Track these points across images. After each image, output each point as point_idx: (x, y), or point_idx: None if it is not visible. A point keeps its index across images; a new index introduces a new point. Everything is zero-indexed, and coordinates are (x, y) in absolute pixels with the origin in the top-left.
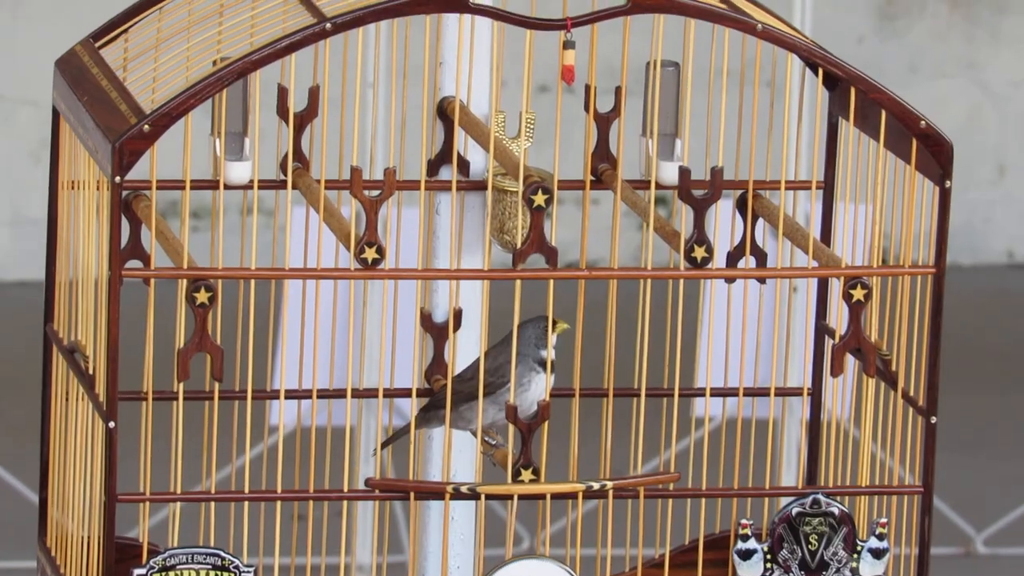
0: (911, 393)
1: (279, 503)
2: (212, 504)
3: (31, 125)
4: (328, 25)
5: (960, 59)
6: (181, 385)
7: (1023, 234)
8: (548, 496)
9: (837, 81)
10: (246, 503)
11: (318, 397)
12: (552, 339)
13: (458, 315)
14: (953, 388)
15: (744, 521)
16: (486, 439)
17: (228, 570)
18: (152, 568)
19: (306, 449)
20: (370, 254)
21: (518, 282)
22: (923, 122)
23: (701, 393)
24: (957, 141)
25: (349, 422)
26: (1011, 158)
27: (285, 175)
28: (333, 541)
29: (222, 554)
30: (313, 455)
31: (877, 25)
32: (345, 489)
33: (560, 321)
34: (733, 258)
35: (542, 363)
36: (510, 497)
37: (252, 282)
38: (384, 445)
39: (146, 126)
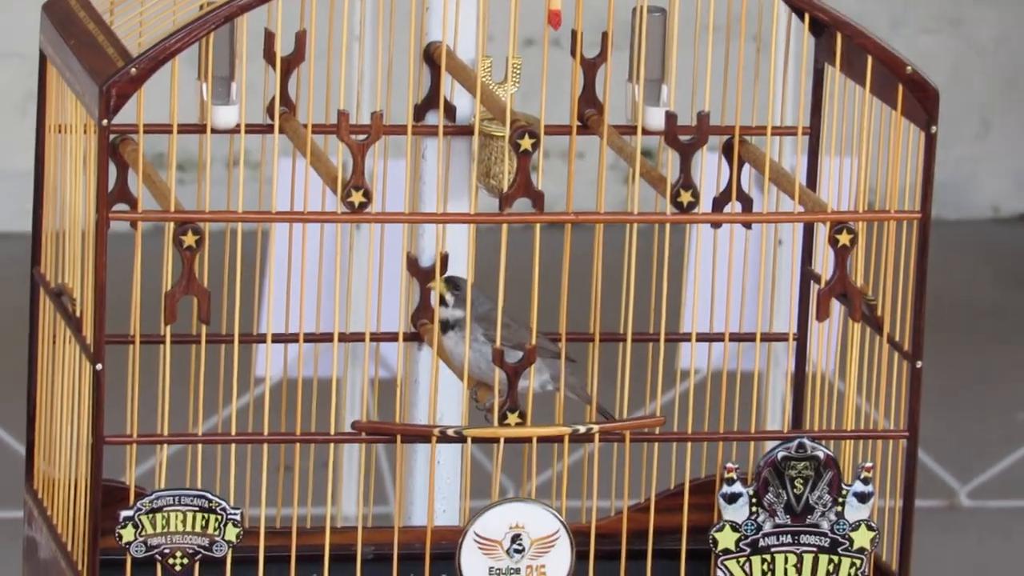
0: (896, 338)
1: (266, 448)
2: (199, 449)
3: (17, 77)
4: None
5: (944, 15)
6: (168, 328)
7: (1008, 189)
8: (534, 439)
9: (823, 27)
10: (232, 448)
11: (305, 341)
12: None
13: (444, 259)
14: (937, 342)
15: (730, 465)
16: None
17: (215, 512)
18: (139, 510)
19: (292, 397)
20: (357, 198)
21: (504, 226)
22: (909, 67)
23: (687, 338)
24: (941, 97)
25: (336, 366)
26: (995, 114)
27: (272, 120)
28: (319, 492)
29: (209, 496)
30: (300, 402)
31: None
32: (332, 433)
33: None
34: (719, 204)
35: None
36: (496, 440)
37: (239, 227)
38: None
39: (133, 69)
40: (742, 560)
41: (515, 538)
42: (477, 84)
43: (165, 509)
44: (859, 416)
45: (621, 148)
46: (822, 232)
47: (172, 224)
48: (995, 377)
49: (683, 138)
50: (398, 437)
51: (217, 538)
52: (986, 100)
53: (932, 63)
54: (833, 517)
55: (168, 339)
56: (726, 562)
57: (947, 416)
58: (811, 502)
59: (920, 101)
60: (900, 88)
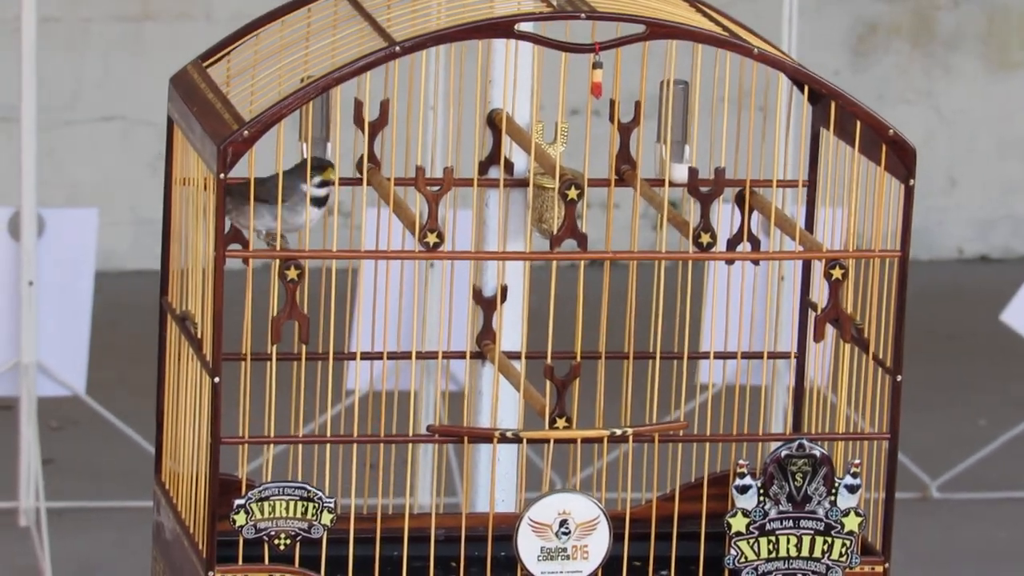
0: (880, 356)
1: (355, 447)
2: (300, 448)
3: (149, 141)
4: (397, 48)
5: (919, 89)
6: (274, 347)
7: (970, 235)
8: (579, 440)
9: (819, 96)
10: (328, 447)
11: (388, 358)
12: (315, 180)
13: (504, 291)
14: (912, 361)
15: (741, 462)
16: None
17: (313, 501)
18: (250, 499)
19: (377, 405)
20: (432, 239)
21: (554, 263)
22: (891, 130)
23: (705, 356)
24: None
25: (413, 378)
26: (960, 172)
27: (361, 173)
28: (398, 484)
29: (308, 488)
30: (384, 409)
31: (850, 61)
32: (410, 435)
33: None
34: (732, 244)
35: (312, 199)
36: (547, 441)
37: (333, 263)
38: None
39: (246, 132)
40: (751, 541)
41: (563, 523)
42: (531, 144)
43: (271, 498)
44: (848, 421)
45: (651, 198)
46: (818, 268)
47: (278, 261)
48: (961, 390)
49: (703, 190)
50: (465, 438)
51: (314, 522)
52: (952, 161)
53: (908, 129)
54: (827, 505)
55: (274, 356)
56: (738, 543)
57: (921, 422)
58: (809, 493)
59: (900, 158)
60: (884, 148)
